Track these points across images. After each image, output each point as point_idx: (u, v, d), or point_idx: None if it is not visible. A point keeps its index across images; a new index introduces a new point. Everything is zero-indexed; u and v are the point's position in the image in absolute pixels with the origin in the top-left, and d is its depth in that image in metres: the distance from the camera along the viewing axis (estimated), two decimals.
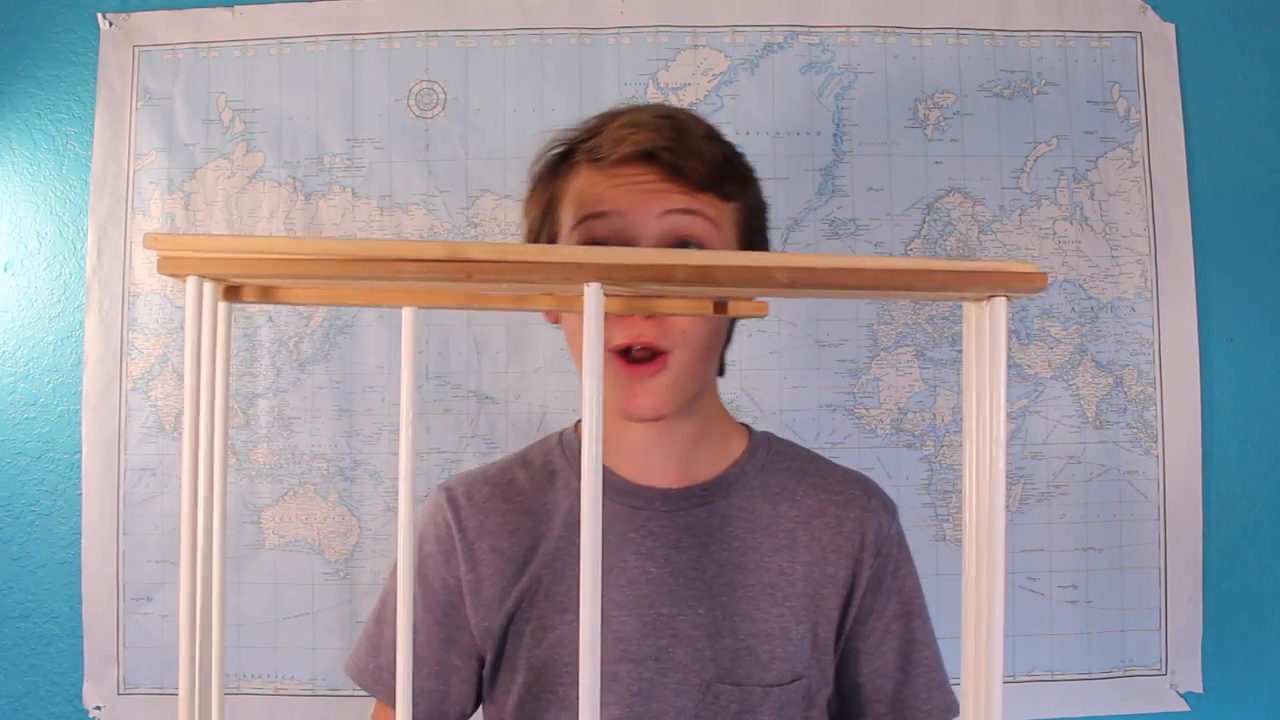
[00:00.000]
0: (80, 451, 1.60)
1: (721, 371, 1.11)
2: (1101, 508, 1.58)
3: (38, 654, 1.60)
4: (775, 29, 1.62)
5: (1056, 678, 1.56)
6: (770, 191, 1.12)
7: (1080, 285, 1.59)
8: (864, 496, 1.10)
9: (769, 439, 1.13)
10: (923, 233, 1.60)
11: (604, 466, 1.05)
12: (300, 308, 1.59)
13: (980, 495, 0.51)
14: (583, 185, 1.01)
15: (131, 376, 1.60)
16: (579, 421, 1.14)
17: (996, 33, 1.62)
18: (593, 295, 0.40)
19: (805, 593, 1.03)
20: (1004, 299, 0.48)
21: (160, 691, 1.57)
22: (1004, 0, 1.62)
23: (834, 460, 1.16)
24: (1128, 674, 1.57)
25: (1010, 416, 1.56)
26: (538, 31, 1.62)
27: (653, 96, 1.61)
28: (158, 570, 1.58)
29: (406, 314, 0.42)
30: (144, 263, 1.61)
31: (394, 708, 1.06)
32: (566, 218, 1.02)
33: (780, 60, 1.62)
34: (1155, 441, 1.58)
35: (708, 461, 1.08)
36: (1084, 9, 1.62)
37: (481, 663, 1.08)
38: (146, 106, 1.62)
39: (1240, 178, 1.61)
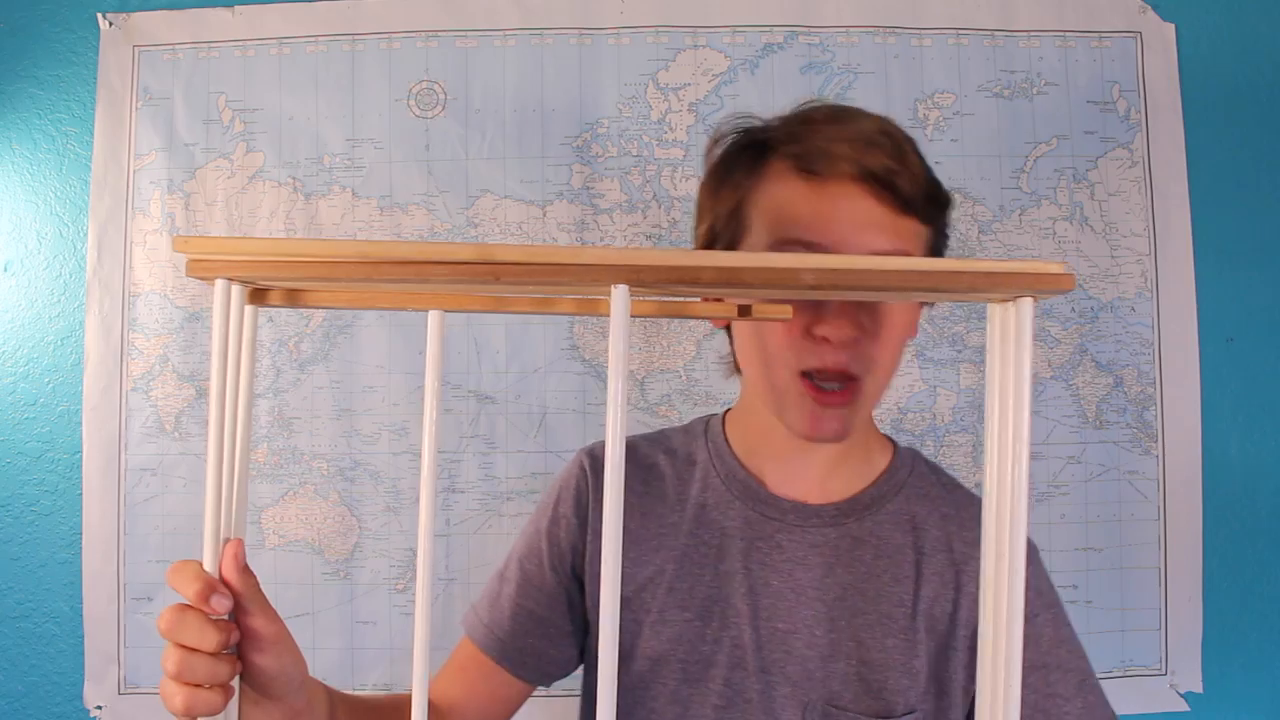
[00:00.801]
0: (80, 451, 1.59)
1: None
2: (1101, 508, 1.58)
3: (38, 654, 1.59)
4: (775, 29, 1.62)
5: None
6: None
7: (1080, 285, 1.59)
8: None
9: (913, 459, 1.08)
10: None
11: (744, 468, 1.04)
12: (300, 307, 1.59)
13: (1002, 492, 0.51)
14: (787, 197, 0.93)
15: (132, 376, 1.60)
16: (728, 411, 1.11)
17: (996, 33, 1.62)
18: (619, 297, 0.40)
19: (925, 628, 0.98)
20: (1030, 300, 0.48)
21: None
22: (1004, 0, 1.62)
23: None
24: (1128, 674, 1.57)
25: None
26: (538, 31, 1.62)
27: (653, 96, 1.61)
28: (158, 570, 1.57)
29: (433, 317, 0.42)
30: (144, 263, 1.60)
31: (501, 664, 1.04)
32: (760, 229, 0.95)
33: (780, 60, 1.62)
34: (1155, 441, 1.58)
35: (847, 478, 1.04)
36: (1084, 9, 1.62)
37: (587, 631, 1.07)
38: (146, 106, 1.62)
39: (1240, 178, 1.61)
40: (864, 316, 0.90)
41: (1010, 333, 0.49)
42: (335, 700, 0.89)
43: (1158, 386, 1.59)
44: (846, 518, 1.02)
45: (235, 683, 0.68)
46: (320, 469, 1.59)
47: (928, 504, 1.04)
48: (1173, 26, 1.61)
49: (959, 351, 1.59)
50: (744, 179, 0.98)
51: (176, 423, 1.60)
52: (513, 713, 1.08)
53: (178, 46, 1.62)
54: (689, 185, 1.58)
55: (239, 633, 0.68)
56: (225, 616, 0.66)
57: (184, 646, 0.65)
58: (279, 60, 1.63)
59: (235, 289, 0.47)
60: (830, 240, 0.90)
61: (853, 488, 1.04)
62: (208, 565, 0.62)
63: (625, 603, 1.02)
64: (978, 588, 0.97)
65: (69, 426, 1.61)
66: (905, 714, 0.97)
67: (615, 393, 0.41)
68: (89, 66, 1.62)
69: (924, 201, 0.94)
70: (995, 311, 0.50)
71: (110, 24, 1.62)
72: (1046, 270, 0.46)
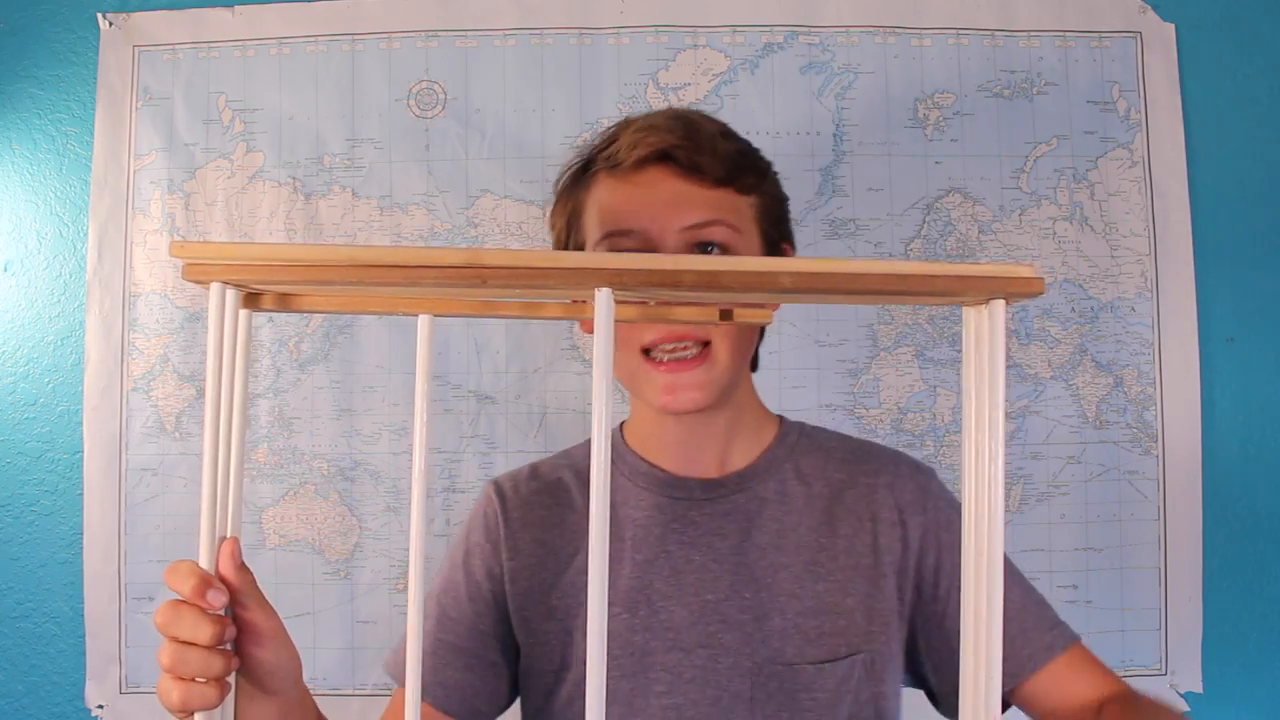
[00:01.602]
0: (81, 451, 1.59)
1: (755, 366, 1.14)
2: (1101, 508, 1.58)
3: (39, 654, 1.59)
4: (775, 29, 1.62)
5: None
6: None
7: (1080, 285, 1.59)
8: (892, 464, 1.11)
9: (801, 426, 1.15)
10: (923, 233, 1.60)
11: (645, 461, 1.10)
12: None
13: (979, 495, 0.51)
14: (603, 197, 1.03)
15: (132, 376, 1.60)
16: (624, 422, 1.16)
17: (996, 33, 1.62)
18: (603, 300, 0.40)
19: (850, 565, 1.04)
20: (1002, 302, 0.49)
21: None
22: (1004, 0, 1.62)
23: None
24: (1128, 674, 1.56)
25: (1010, 417, 1.56)
26: (538, 31, 1.62)
27: (653, 96, 1.61)
28: (159, 570, 1.57)
29: (423, 321, 0.42)
30: (144, 263, 1.61)
31: (424, 699, 1.03)
32: (591, 230, 1.04)
33: (780, 60, 1.62)
34: (1155, 441, 1.58)
35: (743, 450, 1.09)
36: (1084, 9, 1.61)
37: (518, 657, 1.09)
38: (146, 106, 1.62)
39: (1240, 178, 1.60)
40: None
41: (984, 335, 0.49)
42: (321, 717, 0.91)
43: (1158, 386, 1.58)
44: (750, 482, 1.07)
45: (231, 679, 0.70)
46: (320, 469, 1.59)
47: (823, 454, 1.11)
48: (1173, 26, 1.61)
49: (959, 351, 1.58)
50: (574, 193, 1.08)
51: (177, 423, 1.60)
52: None
53: (178, 46, 1.63)
54: None
55: (235, 628, 0.69)
56: (221, 611, 0.67)
57: (179, 640, 0.66)
58: (279, 60, 1.63)
59: (230, 293, 0.48)
60: (645, 223, 0.99)
61: (750, 456, 1.09)
62: (203, 563, 0.64)
63: (551, 612, 1.05)
64: (892, 513, 1.06)
65: (69, 426, 1.61)
66: (849, 655, 1.01)
67: (600, 392, 0.41)
68: (89, 66, 1.62)
69: (732, 171, 1.01)
70: (970, 315, 0.51)
71: (110, 24, 1.62)
72: (1017, 274, 0.47)
